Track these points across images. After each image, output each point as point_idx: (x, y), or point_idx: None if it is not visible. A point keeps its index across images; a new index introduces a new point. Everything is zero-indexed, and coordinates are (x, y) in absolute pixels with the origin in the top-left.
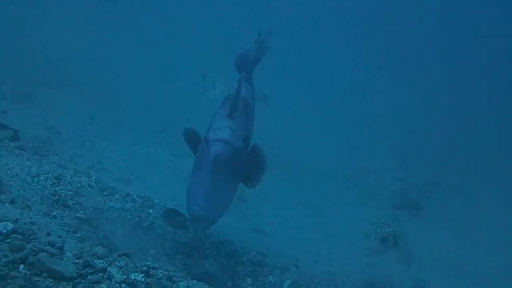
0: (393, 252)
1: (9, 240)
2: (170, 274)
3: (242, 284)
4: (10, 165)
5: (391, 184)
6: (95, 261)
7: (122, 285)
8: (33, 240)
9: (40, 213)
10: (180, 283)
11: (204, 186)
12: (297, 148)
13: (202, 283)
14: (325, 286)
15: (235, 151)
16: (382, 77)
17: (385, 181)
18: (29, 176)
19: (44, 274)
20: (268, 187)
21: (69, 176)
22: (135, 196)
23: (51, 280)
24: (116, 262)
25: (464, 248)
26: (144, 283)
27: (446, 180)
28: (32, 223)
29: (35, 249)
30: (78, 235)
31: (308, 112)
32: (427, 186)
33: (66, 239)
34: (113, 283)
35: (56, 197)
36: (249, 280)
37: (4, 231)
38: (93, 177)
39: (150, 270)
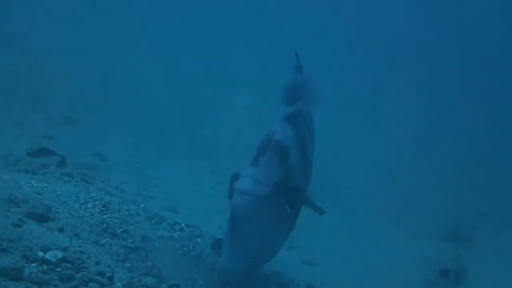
0: None
1: (59, 269)
2: None
3: None
4: (58, 192)
5: (439, 214)
6: None
7: None
8: (82, 270)
9: (89, 241)
10: None
11: (226, 238)
12: (341, 173)
13: None
14: None
15: (258, 201)
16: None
17: (433, 211)
18: (77, 204)
19: None
20: (316, 216)
21: (117, 204)
22: (183, 224)
23: None
24: None
25: None
26: None
27: (495, 212)
28: (81, 252)
29: (85, 278)
30: (127, 265)
31: (348, 136)
32: (477, 218)
33: (115, 269)
34: None
35: (105, 225)
36: None
37: (53, 260)
38: (141, 205)
39: None
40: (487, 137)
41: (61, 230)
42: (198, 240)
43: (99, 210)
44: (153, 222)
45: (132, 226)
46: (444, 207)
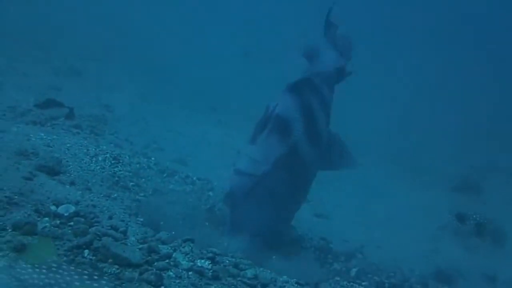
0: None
1: (72, 223)
2: (237, 261)
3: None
4: (68, 145)
5: (449, 165)
6: (160, 246)
7: (190, 273)
8: (95, 224)
9: (101, 195)
10: (247, 270)
11: (227, 218)
12: (352, 130)
13: (269, 271)
14: (392, 273)
15: (255, 181)
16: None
17: (442, 162)
18: (88, 157)
19: (109, 260)
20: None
21: (127, 157)
22: (194, 178)
23: (117, 266)
24: (181, 248)
25: None
26: (211, 271)
27: (504, 162)
28: (94, 206)
29: (99, 233)
30: (141, 219)
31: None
32: (484, 168)
33: (128, 223)
34: (180, 270)
35: (116, 178)
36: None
37: (66, 214)
38: (152, 158)
39: (216, 256)
40: (499, 87)
41: (72, 183)
42: (210, 193)
43: (109, 163)
44: (165, 175)
45: (143, 179)
46: (455, 158)
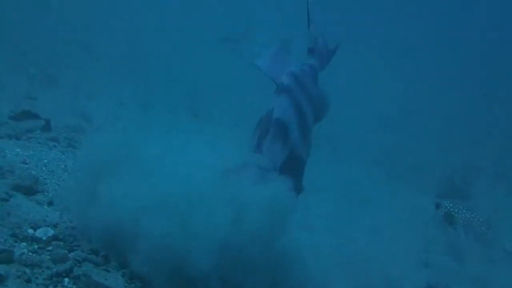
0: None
1: (51, 248)
2: None
3: None
4: (45, 160)
5: (434, 168)
6: None
7: None
8: (75, 248)
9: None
10: None
11: None
12: (335, 130)
13: None
14: None
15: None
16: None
17: (426, 164)
18: (66, 173)
19: None
20: (311, 175)
21: None
22: None
23: None
24: None
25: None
26: None
27: (489, 165)
28: (73, 228)
29: (79, 258)
30: None
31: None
32: (471, 172)
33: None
34: None
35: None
36: None
37: (44, 238)
38: None
39: None
40: (481, 90)
41: (50, 203)
42: None
43: None
44: None
45: None
46: (439, 161)
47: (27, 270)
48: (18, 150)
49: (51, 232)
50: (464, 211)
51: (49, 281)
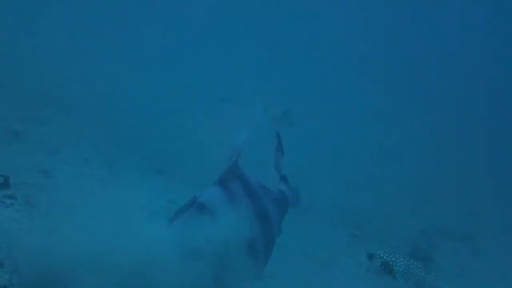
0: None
1: None
2: None
3: None
4: None
5: (399, 231)
6: None
7: None
8: None
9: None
10: None
11: None
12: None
13: None
14: None
15: None
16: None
17: (392, 227)
18: (20, 233)
19: None
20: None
21: None
22: None
23: None
24: None
25: None
26: None
27: (455, 227)
28: None
29: None
30: None
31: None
32: (436, 234)
33: None
34: None
35: None
36: None
37: None
38: None
39: None
40: (446, 148)
41: (0, 265)
42: None
43: None
44: None
45: None
46: (404, 222)
47: None
48: None
49: None
50: (401, 258)
51: None
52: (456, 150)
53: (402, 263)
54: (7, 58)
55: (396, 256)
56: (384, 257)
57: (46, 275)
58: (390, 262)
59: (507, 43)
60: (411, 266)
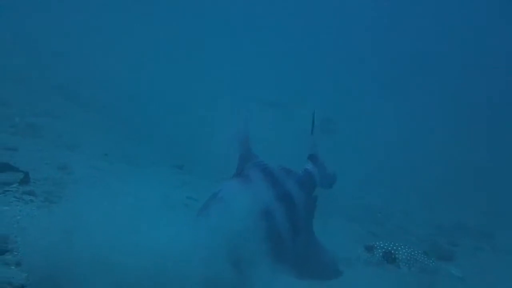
0: None
1: None
2: None
3: None
4: (18, 217)
5: (418, 228)
6: None
7: None
8: None
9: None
10: None
11: None
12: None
13: None
14: None
15: None
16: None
17: (411, 224)
18: (38, 231)
19: None
20: None
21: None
22: None
23: None
24: None
25: None
26: None
27: (474, 224)
28: None
29: None
30: None
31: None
32: (455, 231)
33: None
34: None
35: None
36: None
37: None
38: None
39: None
40: (465, 146)
41: (18, 264)
42: None
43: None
44: None
45: None
46: (423, 219)
47: None
48: None
49: None
50: (402, 247)
51: None
52: (476, 146)
53: (404, 250)
54: (24, 53)
55: (397, 244)
56: (385, 247)
57: (64, 274)
58: (392, 251)
59: None
60: (413, 253)
